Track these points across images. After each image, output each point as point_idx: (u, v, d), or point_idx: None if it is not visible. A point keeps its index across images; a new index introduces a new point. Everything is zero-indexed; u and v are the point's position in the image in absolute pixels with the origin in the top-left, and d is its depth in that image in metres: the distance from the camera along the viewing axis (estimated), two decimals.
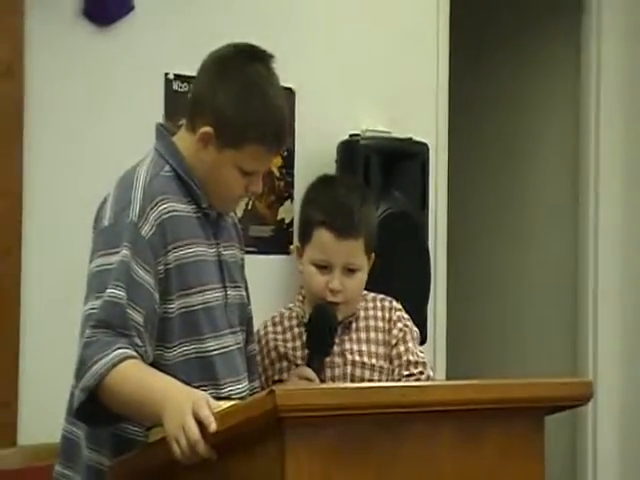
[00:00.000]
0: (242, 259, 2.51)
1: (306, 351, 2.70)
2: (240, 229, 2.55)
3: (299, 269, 2.78)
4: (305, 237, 2.73)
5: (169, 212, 2.24)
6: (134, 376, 2.06)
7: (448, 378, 4.06)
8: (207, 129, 2.27)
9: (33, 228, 3.10)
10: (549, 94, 5.13)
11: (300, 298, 2.80)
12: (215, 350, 2.29)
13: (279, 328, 2.78)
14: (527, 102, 5.25)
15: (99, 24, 3.25)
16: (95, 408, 2.10)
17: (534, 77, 5.19)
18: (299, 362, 2.71)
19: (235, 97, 2.26)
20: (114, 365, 2.05)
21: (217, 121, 2.26)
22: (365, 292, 2.81)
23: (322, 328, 2.69)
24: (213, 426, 1.87)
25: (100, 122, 3.24)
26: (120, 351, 2.07)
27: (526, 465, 2.13)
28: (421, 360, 2.75)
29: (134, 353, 2.10)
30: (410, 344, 2.75)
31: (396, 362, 2.73)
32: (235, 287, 2.40)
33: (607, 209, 4.74)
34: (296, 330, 2.77)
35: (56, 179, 3.15)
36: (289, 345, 2.74)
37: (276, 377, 2.71)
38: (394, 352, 2.73)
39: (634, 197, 4.77)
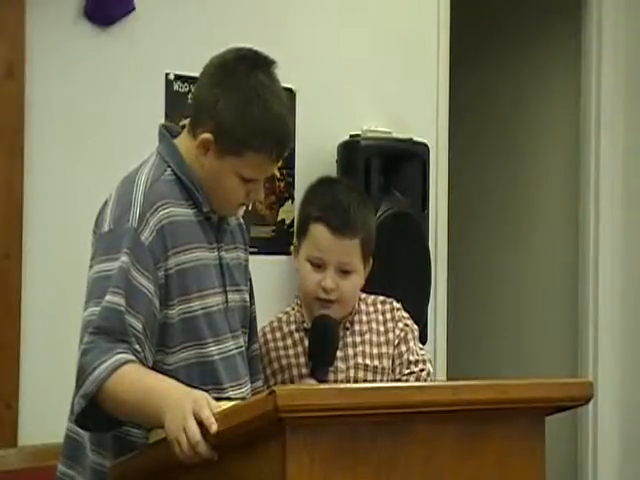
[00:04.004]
0: (246, 260, 2.50)
1: (309, 359, 2.71)
2: (245, 229, 2.54)
3: (296, 267, 2.78)
4: (301, 234, 2.74)
5: (169, 217, 2.23)
6: (134, 379, 2.06)
7: (449, 378, 4.07)
8: (207, 136, 2.26)
9: (34, 230, 3.10)
10: (549, 94, 5.13)
11: (298, 302, 2.80)
12: (216, 355, 2.29)
13: (278, 334, 2.78)
14: (527, 102, 5.25)
15: (100, 25, 3.25)
16: (96, 414, 2.10)
17: (534, 77, 5.20)
18: (303, 370, 2.72)
19: (236, 106, 2.25)
20: (113, 370, 2.05)
21: (217, 129, 2.25)
22: (365, 295, 2.81)
23: (324, 340, 2.69)
24: (214, 427, 1.88)
25: (101, 123, 3.24)
26: (119, 356, 2.07)
27: (527, 465, 2.13)
28: (421, 358, 2.76)
29: (133, 358, 2.09)
30: (411, 343, 2.76)
31: (397, 361, 2.74)
32: (236, 290, 2.40)
33: (607, 209, 4.74)
34: (296, 335, 2.76)
35: (57, 180, 3.15)
36: (291, 352, 2.74)
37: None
38: (396, 352, 2.74)
39: (635, 197, 4.77)
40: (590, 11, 4.75)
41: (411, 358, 2.74)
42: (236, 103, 2.25)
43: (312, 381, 2.63)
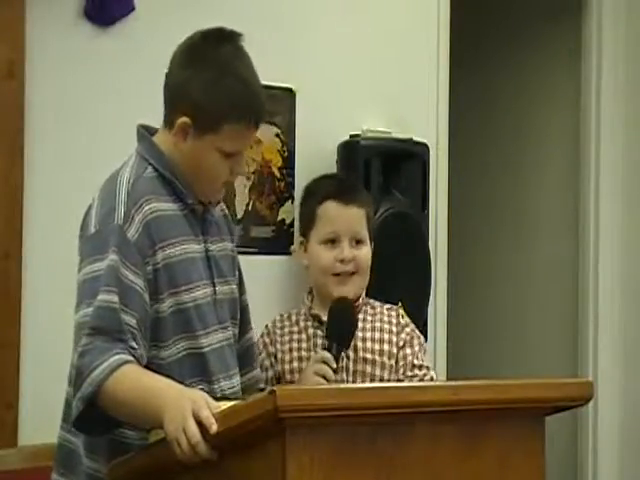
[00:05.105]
0: (233, 250, 2.50)
1: (319, 341, 2.78)
2: (230, 219, 2.54)
3: (304, 264, 2.83)
4: (309, 224, 2.82)
5: (154, 212, 2.24)
6: (132, 380, 2.06)
7: (449, 379, 4.06)
8: (184, 119, 2.27)
9: (34, 230, 3.10)
10: (549, 94, 5.13)
11: (308, 300, 2.84)
12: (206, 347, 2.29)
13: (287, 322, 2.86)
14: (527, 102, 5.25)
15: (100, 25, 3.25)
16: (94, 416, 2.10)
17: (534, 77, 5.19)
18: (303, 353, 2.77)
19: (208, 81, 2.26)
20: (112, 371, 2.05)
21: (193, 109, 2.26)
22: (372, 300, 2.84)
23: (342, 318, 2.73)
24: (214, 427, 1.88)
25: (101, 123, 3.24)
26: (117, 357, 2.07)
27: (526, 465, 2.13)
28: (425, 364, 2.80)
29: (131, 358, 2.10)
30: (416, 348, 2.80)
31: (401, 363, 2.77)
32: (224, 282, 2.40)
33: (607, 209, 4.74)
34: (302, 324, 2.82)
35: (57, 180, 3.15)
36: (295, 337, 2.80)
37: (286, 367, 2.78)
38: (400, 354, 2.77)
39: (635, 197, 4.77)
40: (590, 11, 4.75)
41: (415, 362, 2.77)
42: (208, 79, 2.26)
43: (326, 353, 2.66)
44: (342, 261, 2.75)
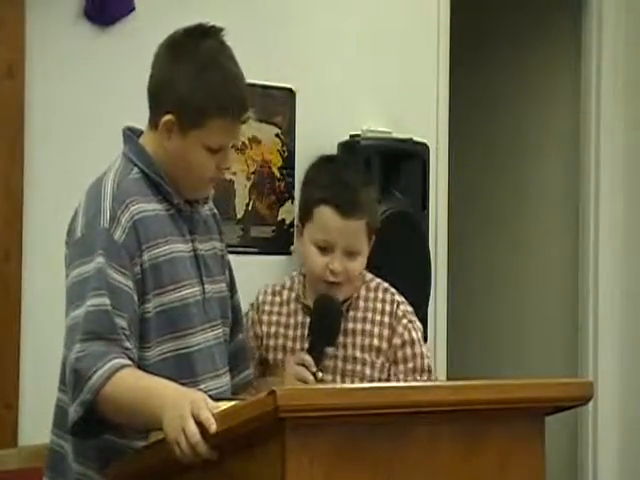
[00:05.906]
0: (222, 249, 2.49)
1: (300, 331, 2.70)
2: (219, 218, 2.52)
3: (299, 249, 2.76)
4: (306, 215, 2.70)
5: (140, 213, 2.24)
6: (130, 383, 2.06)
7: (448, 379, 4.06)
8: (168, 117, 2.26)
9: (34, 230, 3.10)
10: (549, 94, 5.13)
11: (300, 283, 2.77)
12: (193, 346, 2.29)
13: (277, 299, 2.77)
14: (527, 102, 5.25)
15: (100, 25, 3.25)
16: (91, 420, 2.09)
17: (534, 77, 5.20)
18: (289, 344, 2.70)
19: (190, 76, 2.25)
20: (110, 376, 2.05)
21: (177, 105, 2.25)
22: (370, 277, 2.77)
23: (326, 319, 2.66)
24: (213, 427, 1.88)
25: (101, 123, 3.24)
26: (115, 361, 2.07)
27: (527, 465, 2.13)
28: (427, 368, 2.71)
29: (128, 361, 2.10)
30: (416, 346, 2.70)
31: (401, 367, 2.68)
32: (213, 281, 2.39)
33: (608, 209, 4.74)
34: (292, 306, 2.74)
35: (57, 180, 3.15)
36: (282, 320, 2.73)
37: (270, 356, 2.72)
38: (399, 354, 2.68)
39: (635, 197, 4.77)
40: (590, 11, 4.75)
41: (417, 365, 2.69)
42: (192, 73, 2.25)
43: (306, 356, 2.60)
44: (332, 272, 2.67)
